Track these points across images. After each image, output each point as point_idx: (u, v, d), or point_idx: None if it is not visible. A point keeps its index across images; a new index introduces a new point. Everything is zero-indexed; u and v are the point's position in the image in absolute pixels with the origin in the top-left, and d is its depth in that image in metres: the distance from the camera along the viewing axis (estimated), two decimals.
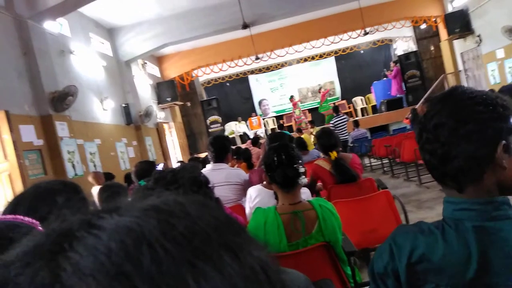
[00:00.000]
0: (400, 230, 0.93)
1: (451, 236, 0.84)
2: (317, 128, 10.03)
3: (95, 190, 4.87)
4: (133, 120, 9.48)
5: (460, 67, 12.45)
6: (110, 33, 9.81)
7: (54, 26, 6.82)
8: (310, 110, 15.50)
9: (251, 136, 12.03)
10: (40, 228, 0.89)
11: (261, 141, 7.47)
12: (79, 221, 0.28)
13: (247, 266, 0.28)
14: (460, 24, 11.35)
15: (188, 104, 13.74)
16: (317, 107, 14.91)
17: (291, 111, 14.49)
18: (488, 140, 0.82)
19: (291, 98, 14.41)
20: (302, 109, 14.76)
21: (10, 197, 5.08)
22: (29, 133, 5.66)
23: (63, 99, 6.23)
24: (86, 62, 8.00)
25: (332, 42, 12.66)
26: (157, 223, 0.27)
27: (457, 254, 0.82)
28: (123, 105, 9.35)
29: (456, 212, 0.86)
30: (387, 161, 8.17)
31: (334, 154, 3.12)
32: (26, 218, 0.90)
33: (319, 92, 14.47)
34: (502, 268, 0.79)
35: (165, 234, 0.26)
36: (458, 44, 12.26)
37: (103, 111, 8.31)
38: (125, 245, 0.25)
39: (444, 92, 0.92)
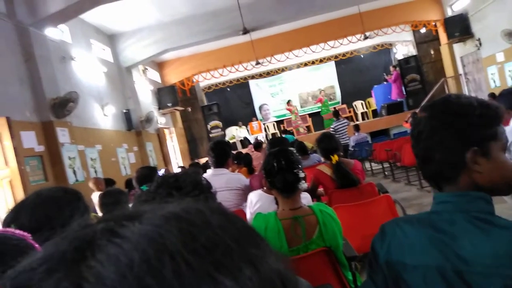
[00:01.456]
0: (391, 220, 1.05)
1: (430, 226, 0.92)
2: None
3: (96, 196, 4.87)
4: (134, 125, 9.50)
5: (460, 70, 12.47)
6: (111, 39, 9.86)
7: (56, 32, 6.86)
8: (310, 115, 15.52)
9: (252, 141, 12.05)
10: (31, 240, 0.89)
11: (264, 145, 7.47)
12: (101, 228, 0.28)
13: (267, 279, 0.28)
14: (459, 28, 11.38)
15: (189, 109, 13.76)
16: (317, 112, 14.95)
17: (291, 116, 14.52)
18: (457, 147, 0.90)
19: (288, 102, 14.45)
20: (301, 114, 14.80)
21: (11, 203, 5.09)
22: (30, 139, 5.67)
23: (64, 105, 6.25)
24: (87, 68, 8.04)
25: (332, 47, 12.70)
26: (179, 233, 0.27)
27: (435, 240, 0.90)
28: (124, 110, 9.37)
29: (437, 205, 0.95)
30: (388, 165, 8.16)
31: (335, 158, 3.12)
32: (17, 231, 0.90)
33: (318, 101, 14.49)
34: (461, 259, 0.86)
35: (186, 245, 0.27)
36: (458, 48, 12.29)
37: (104, 117, 8.33)
38: (147, 256, 0.25)
39: (433, 101, 1.01)
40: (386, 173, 8.54)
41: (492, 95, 8.18)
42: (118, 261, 0.25)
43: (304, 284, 1.01)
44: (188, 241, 0.27)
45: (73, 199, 1.24)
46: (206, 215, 0.30)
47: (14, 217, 1.14)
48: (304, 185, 1.84)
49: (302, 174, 1.84)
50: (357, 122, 12.50)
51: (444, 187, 0.95)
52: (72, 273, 0.25)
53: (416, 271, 0.91)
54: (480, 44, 11.01)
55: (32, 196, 1.23)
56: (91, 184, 5.65)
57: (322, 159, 3.64)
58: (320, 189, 3.36)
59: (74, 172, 6.33)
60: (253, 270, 0.27)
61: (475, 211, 0.88)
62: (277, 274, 0.29)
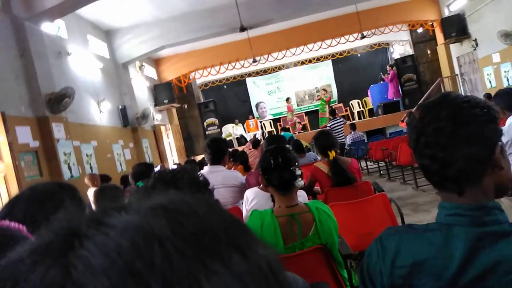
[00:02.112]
0: (387, 232, 0.95)
1: (438, 240, 0.85)
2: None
3: (91, 192, 4.85)
4: (130, 122, 9.46)
5: (457, 71, 12.52)
6: (108, 35, 9.80)
7: (52, 27, 6.81)
8: (306, 113, 15.52)
9: (248, 139, 12.04)
10: (26, 233, 0.88)
11: (261, 143, 7.46)
12: (87, 219, 0.28)
13: (255, 264, 0.28)
14: (456, 28, 11.42)
15: (185, 106, 13.73)
16: (313, 110, 14.96)
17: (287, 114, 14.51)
18: (487, 142, 0.84)
19: (288, 99, 14.43)
20: (297, 113, 14.81)
21: (5, 198, 5.06)
22: (25, 135, 5.63)
23: (59, 100, 6.21)
24: (83, 64, 7.99)
25: (329, 46, 12.70)
26: (166, 221, 0.27)
27: (441, 258, 0.84)
28: (120, 107, 9.33)
29: (447, 217, 0.87)
30: (383, 164, 8.18)
31: (332, 154, 3.12)
32: (12, 223, 0.89)
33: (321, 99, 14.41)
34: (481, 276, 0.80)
35: (174, 232, 0.27)
36: (454, 48, 12.33)
37: (100, 113, 8.29)
38: (136, 243, 0.25)
39: (436, 98, 0.94)
40: (381, 172, 8.57)
41: (488, 95, 8.21)
42: (107, 248, 0.25)
43: (299, 281, 1.01)
44: (176, 228, 0.27)
45: (68, 193, 1.23)
46: (192, 205, 0.30)
47: (8, 211, 1.13)
48: (300, 182, 1.84)
49: (298, 172, 1.84)
50: (353, 121, 12.52)
51: (466, 190, 0.86)
52: (60, 261, 0.24)
53: None
54: (477, 44, 11.06)
55: (27, 190, 1.22)
56: (86, 180, 5.62)
57: (319, 157, 3.65)
58: (317, 187, 3.37)
59: (70, 168, 6.30)
60: (242, 255, 0.27)
61: (493, 223, 0.84)
62: (265, 260, 0.29)
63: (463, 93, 11.86)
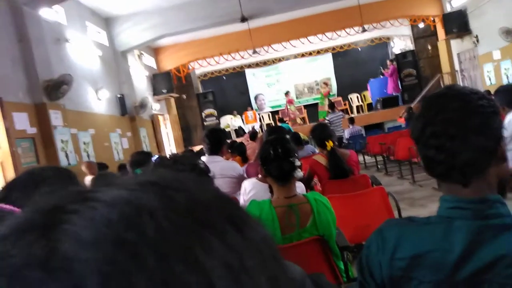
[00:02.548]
0: (388, 223, 0.96)
1: (439, 233, 0.85)
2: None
3: (88, 180, 4.84)
4: (128, 111, 9.42)
5: (457, 67, 12.50)
6: (107, 22, 9.71)
7: (50, 13, 6.73)
8: (306, 106, 15.50)
9: (246, 131, 12.02)
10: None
11: (259, 135, 7.45)
12: (72, 194, 0.26)
13: (249, 238, 0.27)
14: (458, 24, 11.37)
15: (184, 96, 13.66)
16: (312, 104, 14.93)
17: (284, 107, 14.43)
18: (494, 133, 0.85)
19: (287, 93, 14.39)
20: (296, 106, 14.79)
21: (1, 184, 5.04)
22: (23, 121, 5.60)
23: (57, 87, 6.16)
24: (82, 51, 7.92)
25: (329, 39, 12.64)
26: (155, 195, 0.26)
27: (441, 251, 0.84)
28: (118, 95, 9.28)
29: (449, 210, 0.87)
30: (381, 158, 8.19)
31: (330, 144, 3.12)
32: (7, 206, 0.88)
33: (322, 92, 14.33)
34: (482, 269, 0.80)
35: (165, 204, 0.25)
36: (455, 44, 12.30)
37: (98, 101, 8.25)
38: (126, 215, 0.24)
39: (442, 89, 0.93)
40: (379, 166, 8.59)
41: (487, 92, 8.21)
42: (95, 221, 0.23)
43: (297, 269, 1.01)
44: (167, 201, 0.26)
45: (66, 178, 1.22)
46: (183, 181, 0.29)
47: (5, 195, 1.12)
48: (299, 173, 1.84)
49: (298, 163, 1.83)
50: (352, 115, 12.52)
51: (472, 181, 0.86)
52: (45, 236, 0.23)
53: (424, 286, 0.85)
54: (478, 41, 11.02)
55: (24, 174, 1.21)
56: (83, 168, 5.60)
57: (317, 150, 3.64)
58: (315, 180, 3.37)
59: (67, 156, 6.28)
60: (237, 229, 0.27)
61: (495, 217, 0.83)
62: (261, 235, 0.28)
63: None
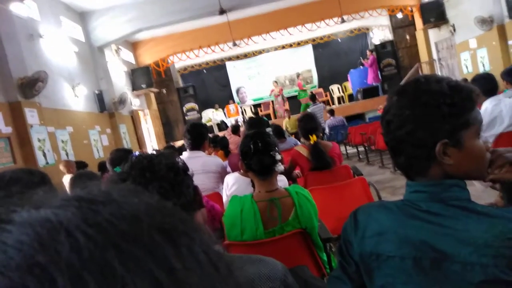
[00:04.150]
0: (361, 207, 1.02)
1: (405, 215, 0.90)
2: (294, 117, 10.06)
3: (67, 178, 4.74)
4: (106, 107, 9.26)
5: (435, 56, 12.70)
6: (82, 17, 9.47)
7: (22, 8, 6.52)
8: (287, 98, 15.50)
9: (229, 124, 11.95)
10: None
11: (242, 129, 7.41)
12: None
13: (184, 247, 0.26)
14: (435, 13, 11.55)
15: (164, 91, 13.49)
16: (294, 96, 14.91)
17: (274, 98, 14.25)
18: (427, 140, 0.86)
19: (275, 82, 14.24)
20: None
21: None
22: None
23: (32, 85, 5.99)
24: (57, 47, 7.71)
25: (309, 30, 12.65)
26: (77, 210, 0.25)
27: (405, 228, 0.89)
28: (96, 91, 9.10)
29: (411, 194, 0.92)
30: (362, 148, 8.28)
31: (314, 138, 3.13)
32: None
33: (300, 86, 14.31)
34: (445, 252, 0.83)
35: (86, 220, 0.24)
36: (433, 33, 12.48)
37: (75, 98, 8.06)
38: (39, 236, 0.22)
39: (402, 85, 0.94)
40: (360, 156, 8.68)
41: (464, 80, 8.37)
42: (4, 245, 0.22)
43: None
44: (88, 216, 0.25)
45: (38, 181, 1.18)
46: (111, 193, 0.28)
47: None
48: (280, 167, 1.83)
49: (278, 157, 1.82)
50: (332, 107, 12.60)
51: (415, 178, 0.92)
52: None
53: (391, 261, 0.89)
54: (454, 30, 11.21)
55: None
56: (61, 167, 5.49)
57: (299, 141, 3.65)
58: (297, 171, 3.38)
59: (44, 155, 6.13)
60: (168, 238, 0.26)
61: (452, 200, 0.85)
62: (197, 242, 0.27)
63: None
